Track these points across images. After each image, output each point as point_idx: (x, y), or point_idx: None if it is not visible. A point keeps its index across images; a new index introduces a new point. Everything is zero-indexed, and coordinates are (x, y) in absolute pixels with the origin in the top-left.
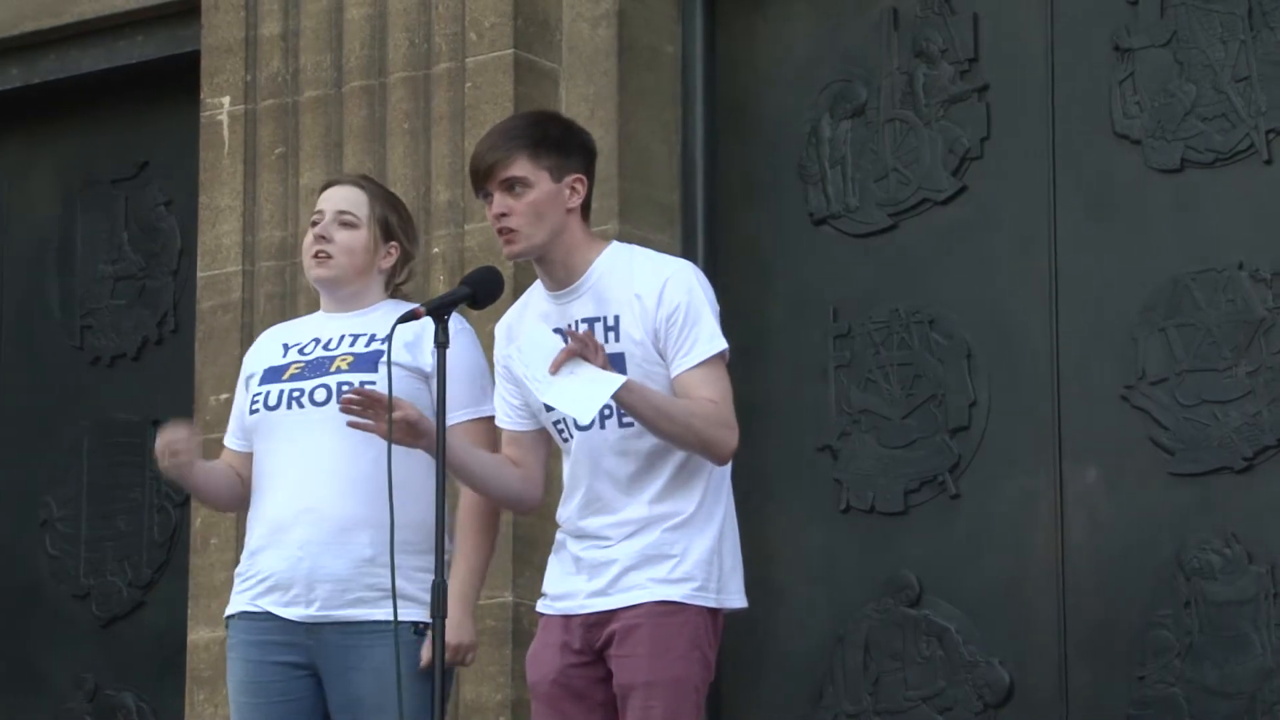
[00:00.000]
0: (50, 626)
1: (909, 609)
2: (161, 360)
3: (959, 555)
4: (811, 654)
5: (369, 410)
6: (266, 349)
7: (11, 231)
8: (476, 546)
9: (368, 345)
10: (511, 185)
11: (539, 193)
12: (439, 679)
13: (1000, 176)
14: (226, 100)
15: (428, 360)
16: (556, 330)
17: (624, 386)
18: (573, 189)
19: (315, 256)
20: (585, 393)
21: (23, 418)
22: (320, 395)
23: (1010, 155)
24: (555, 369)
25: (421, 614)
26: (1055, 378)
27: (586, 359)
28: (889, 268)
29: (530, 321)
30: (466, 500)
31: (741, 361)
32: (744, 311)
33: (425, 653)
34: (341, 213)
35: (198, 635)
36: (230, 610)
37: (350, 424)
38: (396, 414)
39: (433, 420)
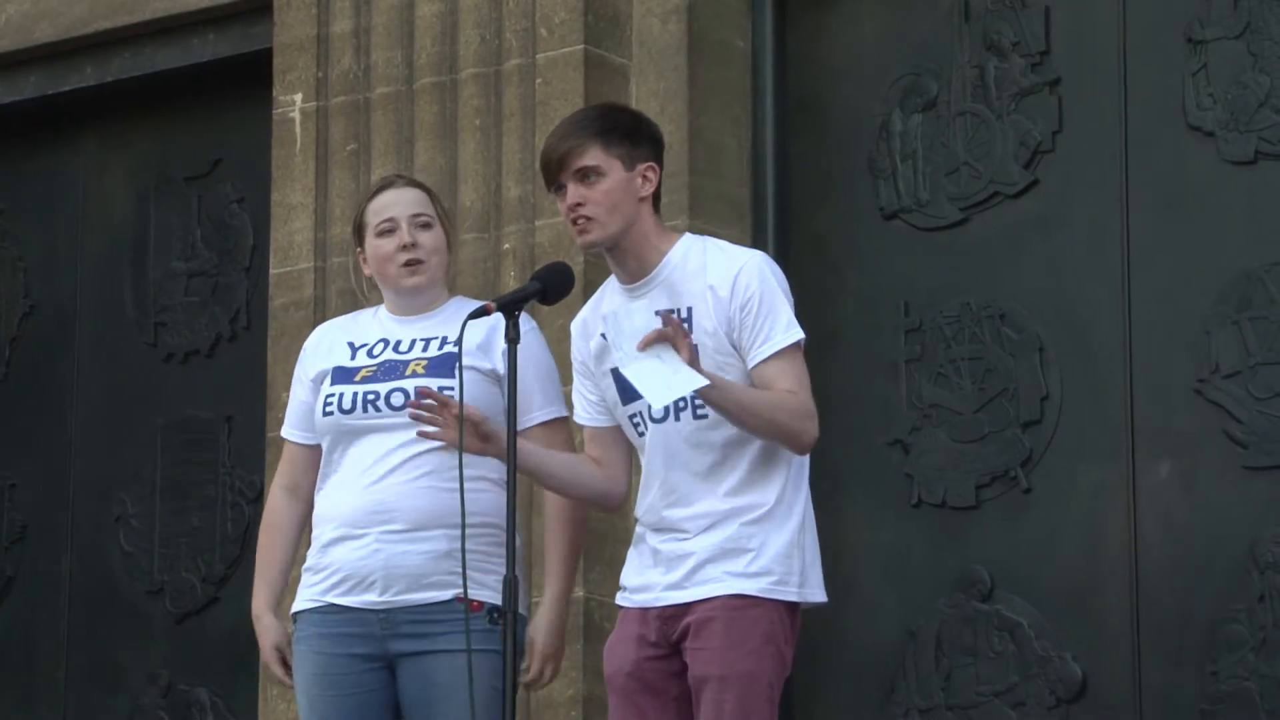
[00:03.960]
0: (124, 622)
1: (981, 604)
2: (234, 357)
3: (1031, 550)
4: (883, 649)
5: (439, 414)
6: (331, 347)
7: (86, 229)
8: (560, 549)
9: (440, 348)
10: (585, 174)
11: (612, 181)
12: (510, 670)
13: (1072, 170)
14: (298, 97)
15: (500, 362)
16: (656, 313)
17: (708, 385)
18: (645, 178)
19: (407, 265)
20: (664, 381)
21: (97, 415)
22: (397, 400)
23: (1082, 148)
24: (644, 346)
25: (497, 599)
26: (1128, 371)
27: (676, 348)
28: (960, 262)
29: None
30: (550, 504)
31: (812, 356)
32: (814, 306)
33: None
34: (416, 215)
35: None
36: (297, 606)
37: (420, 434)
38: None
39: (500, 424)
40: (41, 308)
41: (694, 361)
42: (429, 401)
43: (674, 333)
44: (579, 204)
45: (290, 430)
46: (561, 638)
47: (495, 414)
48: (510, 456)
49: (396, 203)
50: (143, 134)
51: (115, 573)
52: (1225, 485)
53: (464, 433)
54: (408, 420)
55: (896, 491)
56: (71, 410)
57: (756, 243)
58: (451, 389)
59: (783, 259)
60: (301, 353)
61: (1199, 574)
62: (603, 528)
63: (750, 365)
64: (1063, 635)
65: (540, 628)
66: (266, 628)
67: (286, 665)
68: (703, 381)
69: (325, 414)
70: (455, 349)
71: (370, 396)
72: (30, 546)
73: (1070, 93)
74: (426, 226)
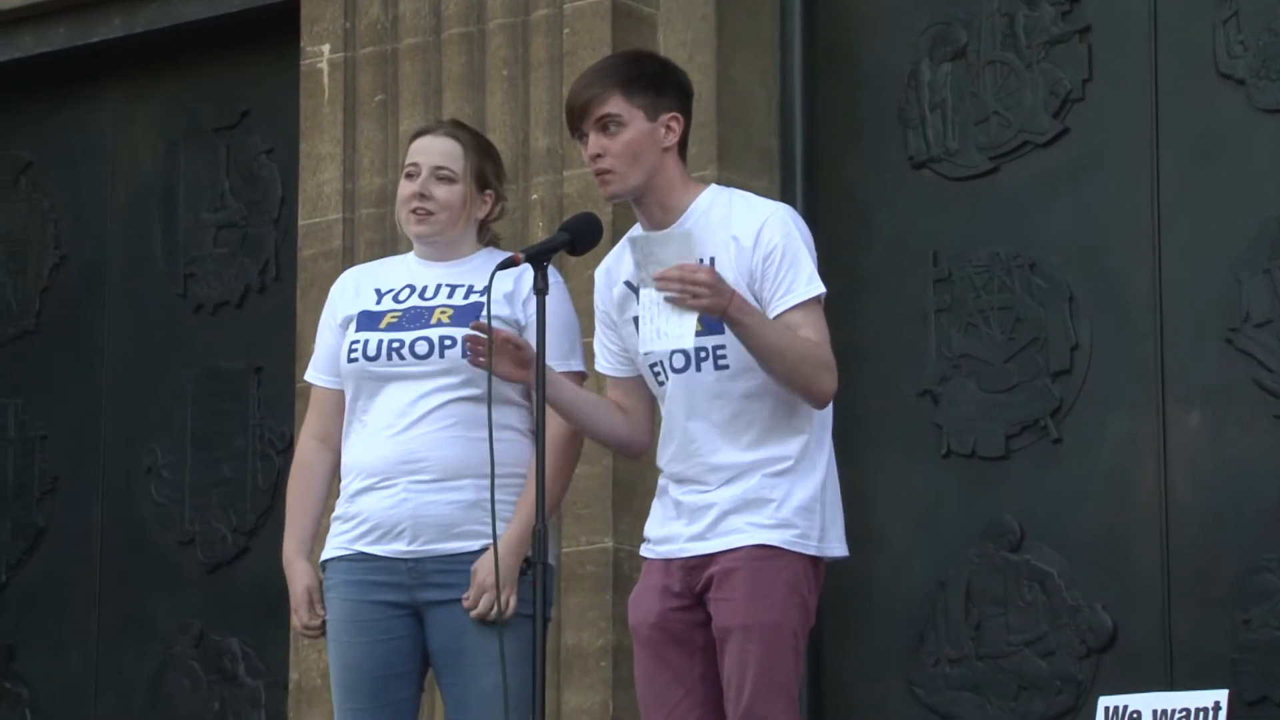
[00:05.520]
0: (156, 572)
1: (1010, 554)
2: (264, 308)
3: (1061, 500)
4: (913, 600)
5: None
6: (357, 291)
7: (115, 181)
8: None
9: (466, 298)
10: (606, 124)
11: (633, 131)
12: (539, 619)
13: (1102, 118)
14: (326, 48)
15: (523, 313)
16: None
17: (740, 309)
18: (668, 128)
19: (414, 213)
20: (664, 324)
21: (127, 366)
22: (422, 349)
23: (1112, 97)
24: (664, 284)
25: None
26: (1158, 320)
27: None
28: (990, 211)
29: (628, 262)
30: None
31: (841, 306)
32: (843, 256)
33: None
34: (438, 168)
35: None
36: (326, 554)
37: (472, 361)
38: (501, 340)
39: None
40: (71, 259)
41: (723, 306)
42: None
43: (694, 281)
44: (599, 154)
45: (317, 375)
46: (511, 569)
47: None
48: (539, 406)
49: (427, 150)
50: (171, 85)
51: (146, 523)
52: (1256, 434)
53: (502, 358)
54: (433, 369)
55: (926, 442)
56: (101, 361)
57: (785, 193)
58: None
59: (811, 209)
60: (329, 296)
61: (1229, 523)
62: (631, 479)
63: (771, 316)
64: (1093, 585)
65: (484, 561)
66: (299, 572)
67: (314, 610)
68: (687, 344)
69: (350, 360)
70: (482, 299)
71: (395, 344)
72: (61, 497)
73: (1100, 41)
74: (447, 181)
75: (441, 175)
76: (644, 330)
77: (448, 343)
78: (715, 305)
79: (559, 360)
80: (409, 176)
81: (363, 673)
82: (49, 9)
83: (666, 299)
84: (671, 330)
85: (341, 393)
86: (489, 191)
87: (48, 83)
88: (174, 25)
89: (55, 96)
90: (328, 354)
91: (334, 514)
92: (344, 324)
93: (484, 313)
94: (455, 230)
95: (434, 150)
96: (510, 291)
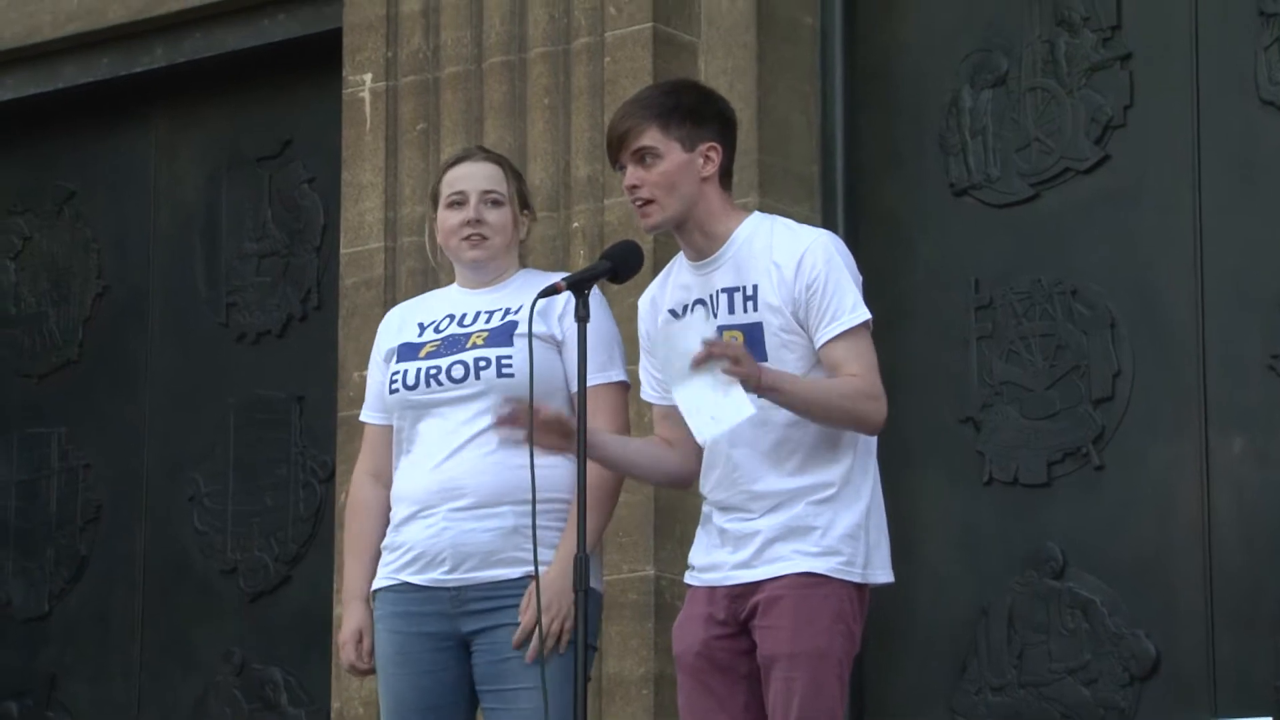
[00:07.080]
0: (198, 601)
1: (1053, 581)
2: (306, 337)
3: (1103, 527)
4: (955, 627)
5: (518, 422)
6: (401, 326)
7: (158, 210)
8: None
9: (503, 319)
10: (643, 156)
11: (670, 163)
12: (581, 646)
13: (1143, 145)
14: (368, 77)
15: (558, 328)
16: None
17: (769, 384)
18: (706, 158)
19: (469, 239)
20: (713, 408)
21: (169, 395)
22: (458, 372)
23: (1153, 123)
24: (697, 366)
25: None
26: (1200, 347)
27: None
28: (1031, 238)
29: (671, 290)
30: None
31: (882, 333)
32: (884, 283)
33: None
34: (487, 192)
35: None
36: (375, 585)
37: (501, 435)
38: (542, 416)
39: (570, 418)
40: (114, 288)
41: (756, 376)
42: (505, 414)
43: (725, 353)
44: (636, 185)
45: (368, 413)
46: (564, 592)
47: (551, 378)
48: (580, 434)
49: (470, 176)
50: (214, 115)
51: (189, 552)
52: None
53: (542, 432)
54: (470, 393)
55: (968, 469)
56: (144, 390)
57: (826, 219)
58: (509, 358)
59: (852, 237)
60: (377, 334)
61: (1272, 550)
62: (672, 505)
63: (818, 345)
64: (1136, 612)
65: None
66: (353, 612)
67: (359, 653)
68: (750, 411)
69: (392, 391)
70: (516, 317)
71: (432, 371)
72: (104, 526)
73: (1141, 67)
74: (496, 204)
75: (491, 199)
76: (696, 422)
77: (483, 364)
78: (750, 374)
79: (598, 372)
80: (454, 205)
81: (408, 705)
82: (92, 39)
83: (714, 372)
84: (724, 410)
85: (392, 428)
86: (526, 211)
87: (91, 113)
88: (217, 55)
89: (98, 126)
90: (376, 391)
91: (383, 543)
92: (387, 358)
93: (519, 332)
94: (507, 254)
95: (478, 175)
96: (543, 308)
